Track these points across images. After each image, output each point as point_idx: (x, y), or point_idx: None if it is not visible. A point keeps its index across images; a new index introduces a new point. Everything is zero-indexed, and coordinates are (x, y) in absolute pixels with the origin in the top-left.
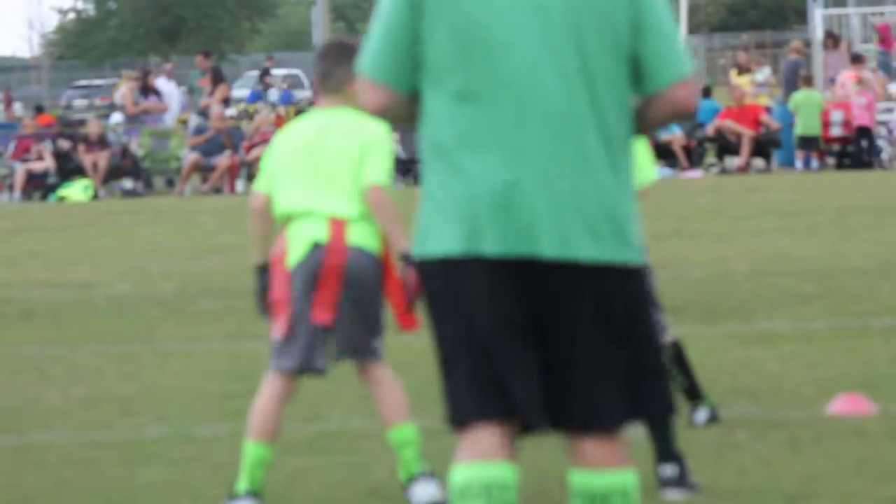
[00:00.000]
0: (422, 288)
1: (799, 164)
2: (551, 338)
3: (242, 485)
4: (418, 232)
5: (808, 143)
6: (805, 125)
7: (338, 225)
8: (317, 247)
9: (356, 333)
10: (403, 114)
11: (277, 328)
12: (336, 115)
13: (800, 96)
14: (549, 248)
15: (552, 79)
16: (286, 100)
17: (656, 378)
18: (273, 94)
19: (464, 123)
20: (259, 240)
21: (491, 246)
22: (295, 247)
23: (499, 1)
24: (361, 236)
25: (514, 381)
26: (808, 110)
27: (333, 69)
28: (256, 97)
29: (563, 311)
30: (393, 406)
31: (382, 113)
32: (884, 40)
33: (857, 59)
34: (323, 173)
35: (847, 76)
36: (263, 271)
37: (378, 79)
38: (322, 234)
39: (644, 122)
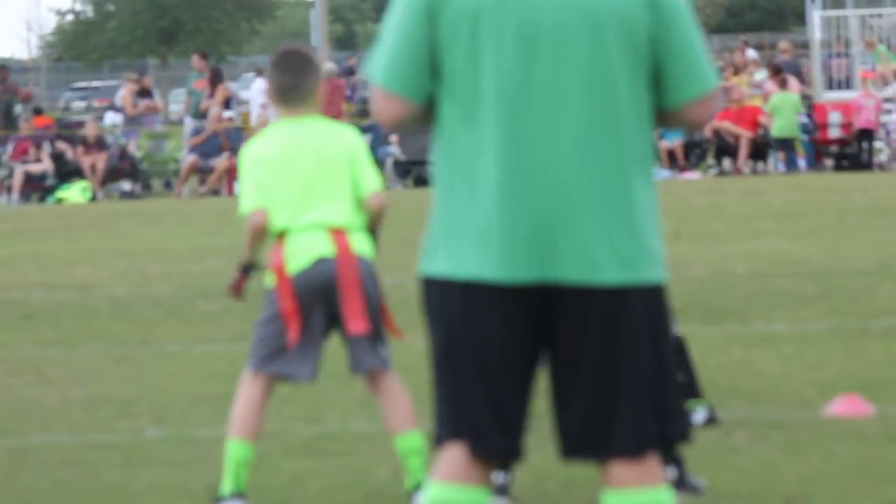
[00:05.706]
0: (424, 303)
1: (781, 166)
2: (566, 362)
3: (228, 486)
4: (427, 248)
5: (784, 144)
6: (781, 126)
7: (340, 236)
8: (322, 260)
9: (365, 343)
10: (419, 123)
11: (291, 337)
12: (308, 124)
13: (777, 98)
14: (570, 272)
15: (571, 95)
16: None
17: (676, 399)
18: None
19: (479, 139)
20: (255, 252)
21: (505, 271)
22: (296, 258)
23: (516, 14)
24: (361, 245)
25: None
26: (784, 111)
27: (299, 81)
28: None
29: (581, 334)
30: (400, 414)
31: (398, 123)
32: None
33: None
34: (313, 183)
35: (860, 75)
36: (248, 269)
37: (393, 89)
38: (325, 247)
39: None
